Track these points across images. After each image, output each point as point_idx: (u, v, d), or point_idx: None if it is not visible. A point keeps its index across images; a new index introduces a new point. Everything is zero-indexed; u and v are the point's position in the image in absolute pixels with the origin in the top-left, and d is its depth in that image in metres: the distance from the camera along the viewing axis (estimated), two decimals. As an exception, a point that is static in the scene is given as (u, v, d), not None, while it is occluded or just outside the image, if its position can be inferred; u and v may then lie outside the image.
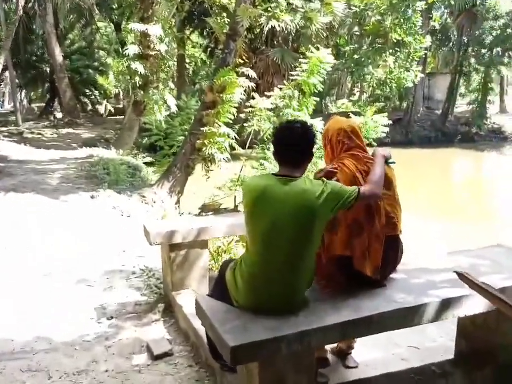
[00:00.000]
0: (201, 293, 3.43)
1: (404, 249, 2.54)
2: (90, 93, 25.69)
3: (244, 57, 9.34)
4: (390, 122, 7.99)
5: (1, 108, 29.31)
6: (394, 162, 2.56)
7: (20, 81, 25.02)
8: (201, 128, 8.21)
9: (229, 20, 10.42)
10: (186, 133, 8.88)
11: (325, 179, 2.22)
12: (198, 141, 8.30)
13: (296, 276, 2.13)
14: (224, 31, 9.61)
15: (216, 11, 15.26)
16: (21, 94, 27.83)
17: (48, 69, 22.95)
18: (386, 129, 7.52)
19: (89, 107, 25.67)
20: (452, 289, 2.28)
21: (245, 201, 2.21)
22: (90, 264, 4.48)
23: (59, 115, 20.75)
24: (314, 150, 2.29)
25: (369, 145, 7.31)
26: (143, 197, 7.87)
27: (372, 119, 7.56)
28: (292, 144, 2.19)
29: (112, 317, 3.45)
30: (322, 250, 2.34)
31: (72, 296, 3.83)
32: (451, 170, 20.99)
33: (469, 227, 10.07)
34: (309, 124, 2.28)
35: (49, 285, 4.04)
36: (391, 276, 2.48)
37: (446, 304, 2.21)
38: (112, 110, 25.07)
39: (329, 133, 2.56)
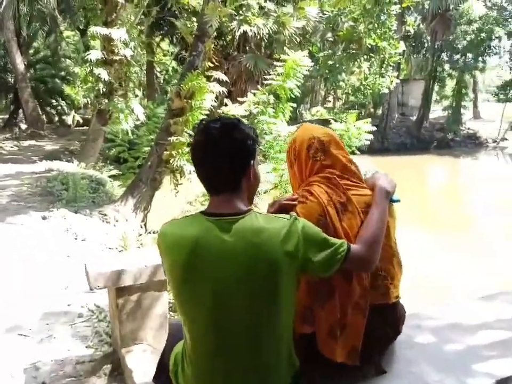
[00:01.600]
0: (158, 348, 2.69)
1: (404, 315, 1.75)
2: (56, 103, 24.65)
3: (214, 61, 8.65)
4: (374, 128, 7.40)
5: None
6: (399, 201, 1.75)
7: (-19, 92, 23.94)
8: (169, 138, 7.50)
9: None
10: (153, 143, 8.14)
11: (293, 213, 1.46)
12: (165, 152, 7.59)
13: (265, 369, 1.37)
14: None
15: (185, 15, 14.63)
16: (-18, 105, 26.66)
17: (12, 79, 21.91)
18: (370, 136, 6.92)
19: (56, 118, 24.60)
20: (503, 361, 1.62)
21: (167, 266, 1.42)
22: (28, 304, 3.69)
23: (24, 126, 19.71)
24: (257, 160, 1.49)
25: (352, 153, 6.70)
26: (104, 215, 7.07)
27: (354, 125, 6.94)
28: (210, 155, 1.39)
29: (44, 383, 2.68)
30: None
31: (-2, 351, 3.04)
32: (431, 177, 20.72)
33: (456, 237, 9.61)
34: (236, 121, 1.45)
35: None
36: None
37: (501, 386, 1.54)
38: (81, 120, 24.10)
39: (297, 144, 1.78)
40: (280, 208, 1.64)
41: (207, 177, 1.43)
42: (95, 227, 6.37)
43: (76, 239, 5.63)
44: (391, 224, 1.68)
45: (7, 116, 23.65)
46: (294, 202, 1.63)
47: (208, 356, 1.37)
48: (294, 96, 7.87)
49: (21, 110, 20.96)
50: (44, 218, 6.26)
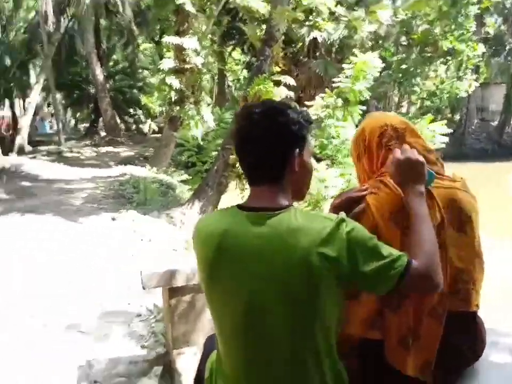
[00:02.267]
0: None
1: (485, 336, 1.47)
2: (134, 112, 25.74)
3: (281, 65, 8.56)
4: (450, 130, 6.96)
5: (50, 129, 29.73)
6: (432, 176, 1.39)
7: (65, 102, 25.47)
8: (235, 143, 7.49)
9: (267, 29, 9.90)
10: (220, 148, 8.19)
11: (342, 214, 1.21)
12: (231, 156, 7.58)
13: (302, 381, 1.19)
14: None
15: (255, 24, 14.72)
16: (65, 114, 28.35)
17: (93, 90, 23.16)
18: (446, 138, 6.50)
19: (134, 126, 25.70)
20: None
21: (197, 261, 1.29)
22: (91, 302, 3.75)
23: (103, 134, 20.75)
24: (306, 148, 1.28)
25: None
26: (171, 218, 7.18)
27: (428, 127, 6.56)
28: (250, 141, 1.24)
29: (96, 382, 2.67)
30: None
31: (57, 347, 3.09)
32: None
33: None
34: (283, 104, 1.28)
35: (32, 330, 3.31)
36: None
37: None
38: (156, 128, 24.98)
39: (367, 133, 1.52)
40: (348, 200, 1.43)
41: (247, 165, 1.27)
42: (162, 229, 6.46)
43: (142, 239, 5.73)
44: (474, 219, 1.41)
45: (88, 125, 25.02)
46: (364, 193, 1.41)
47: (240, 366, 1.24)
48: (364, 99, 7.61)
49: (101, 119, 22.08)
50: (113, 219, 6.45)
